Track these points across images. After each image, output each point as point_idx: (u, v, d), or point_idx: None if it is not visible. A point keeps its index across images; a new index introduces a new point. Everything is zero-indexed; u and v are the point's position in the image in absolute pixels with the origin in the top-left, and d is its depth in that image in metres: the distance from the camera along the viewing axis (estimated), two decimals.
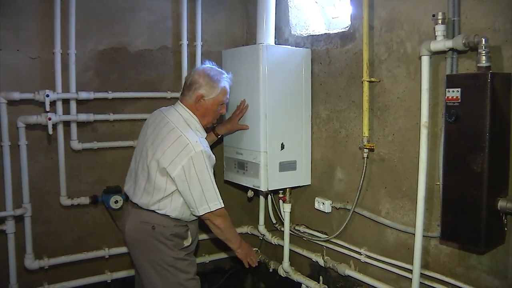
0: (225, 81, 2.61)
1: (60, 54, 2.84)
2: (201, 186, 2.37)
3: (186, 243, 2.54)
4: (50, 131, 2.75)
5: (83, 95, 2.91)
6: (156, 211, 2.42)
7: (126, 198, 2.82)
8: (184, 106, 2.55)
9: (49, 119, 2.75)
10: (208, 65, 2.64)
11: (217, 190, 2.45)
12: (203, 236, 3.45)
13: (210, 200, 2.42)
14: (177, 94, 3.19)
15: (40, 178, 2.91)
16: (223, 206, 2.47)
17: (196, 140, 2.39)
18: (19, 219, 2.82)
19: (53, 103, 2.80)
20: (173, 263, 2.45)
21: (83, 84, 2.94)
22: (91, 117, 2.94)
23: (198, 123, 2.57)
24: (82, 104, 2.94)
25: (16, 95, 2.73)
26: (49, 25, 2.82)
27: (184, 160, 2.33)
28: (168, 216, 2.43)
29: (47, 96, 2.72)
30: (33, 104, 2.79)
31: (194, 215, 2.49)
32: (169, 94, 3.21)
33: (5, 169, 2.73)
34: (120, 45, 3.09)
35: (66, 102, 2.89)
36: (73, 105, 2.91)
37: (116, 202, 3.01)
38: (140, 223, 2.45)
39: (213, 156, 2.52)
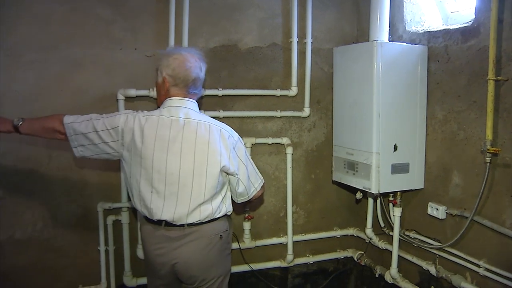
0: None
1: None
2: (249, 174, 2.27)
3: None
4: None
5: None
6: (217, 216, 2.20)
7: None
8: (194, 101, 2.24)
9: None
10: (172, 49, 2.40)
11: (256, 168, 2.34)
12: (309, 236, 3.44)
13: (255, 182, 2.31)
14: (287, 92, 3.20)
15: None
16: (263, 181, 2.38)
17: (230, 127, 2.25)
18: (132, 211, 2.95)
19: None
20: (230, 265, 2.38)
21: None
22: None
23: None
24: None
25: (133, 92, 2.86)
26: (164, 24, 2.91)
27: (233, 152, 2.19)
28: (225, 215, 2.26)
29: None
30: (148, 100, 2.90)
31: (241, 201, 2.35)
32: (278, 92, 3.18)
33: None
34: (231, 42, 3.11)
35: None
36: None
37: None
38: (207, 239, 2.18)
39: None
